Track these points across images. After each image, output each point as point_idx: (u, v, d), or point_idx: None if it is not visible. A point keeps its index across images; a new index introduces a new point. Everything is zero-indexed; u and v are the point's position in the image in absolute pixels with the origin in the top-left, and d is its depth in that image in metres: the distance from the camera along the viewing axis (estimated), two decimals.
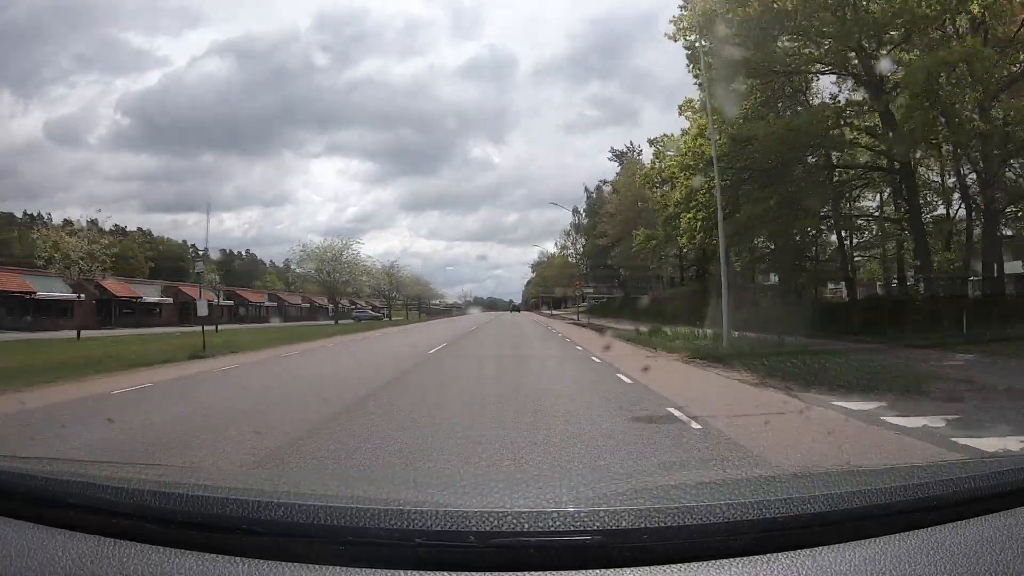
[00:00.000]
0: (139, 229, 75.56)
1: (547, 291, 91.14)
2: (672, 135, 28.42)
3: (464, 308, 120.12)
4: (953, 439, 4.73)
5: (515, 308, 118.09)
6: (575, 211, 59.57)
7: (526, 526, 0.97)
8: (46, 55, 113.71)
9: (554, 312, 68.21)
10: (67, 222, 27.98)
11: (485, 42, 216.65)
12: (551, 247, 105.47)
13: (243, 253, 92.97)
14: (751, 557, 0.94)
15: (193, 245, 76.59)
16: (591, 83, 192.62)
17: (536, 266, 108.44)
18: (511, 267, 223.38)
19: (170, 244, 75.22)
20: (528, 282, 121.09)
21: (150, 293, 49.09)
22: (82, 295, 31.97)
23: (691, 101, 24.51)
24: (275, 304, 62.14)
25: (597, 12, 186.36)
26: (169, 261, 67.39)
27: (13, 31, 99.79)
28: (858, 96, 20.04)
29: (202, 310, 19.63)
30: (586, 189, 59.97)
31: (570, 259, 62.39)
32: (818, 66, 20.13)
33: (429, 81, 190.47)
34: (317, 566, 0.94)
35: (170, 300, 50.84)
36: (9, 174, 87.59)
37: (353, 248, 50.29)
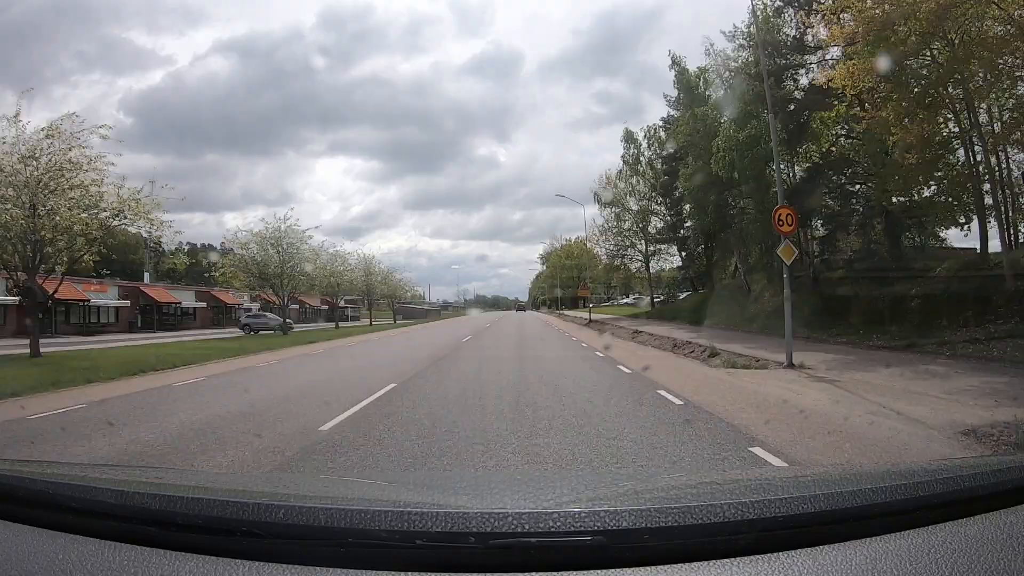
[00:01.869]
0: None
1: (568, 283, 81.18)
2: None
3: (462, 308, 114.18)
4: None
5: (520, 307, 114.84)
6: (627, 138, 36.41)
7: (527, 527, 0.99)
8: (48, 55, 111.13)
9: (591, 319, 37.10)
10: None
11: (490, 39, 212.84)
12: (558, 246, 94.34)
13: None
14: (752, 556, 0.96)
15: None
16: (597, 79, 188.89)
17: (547, 256, 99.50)
18: (516, 265, 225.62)
19: (126, 236, 68.52)
20: (537, 276, 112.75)
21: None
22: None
23: None
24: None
25: (602, 8, 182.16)
26: (122, 255, 59.87)
27: (14, 31, 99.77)
28: None
29: None
30: (673, 61, 28.33)
31: (624, 220, 37.48)
32: None
33: (434, 79, 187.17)
34: (318, 568, 0.96)
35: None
36: None
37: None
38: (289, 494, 1.42)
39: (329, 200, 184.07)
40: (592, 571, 0.95)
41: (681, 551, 0.98)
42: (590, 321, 34.68)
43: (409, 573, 0.95)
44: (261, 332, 37.33)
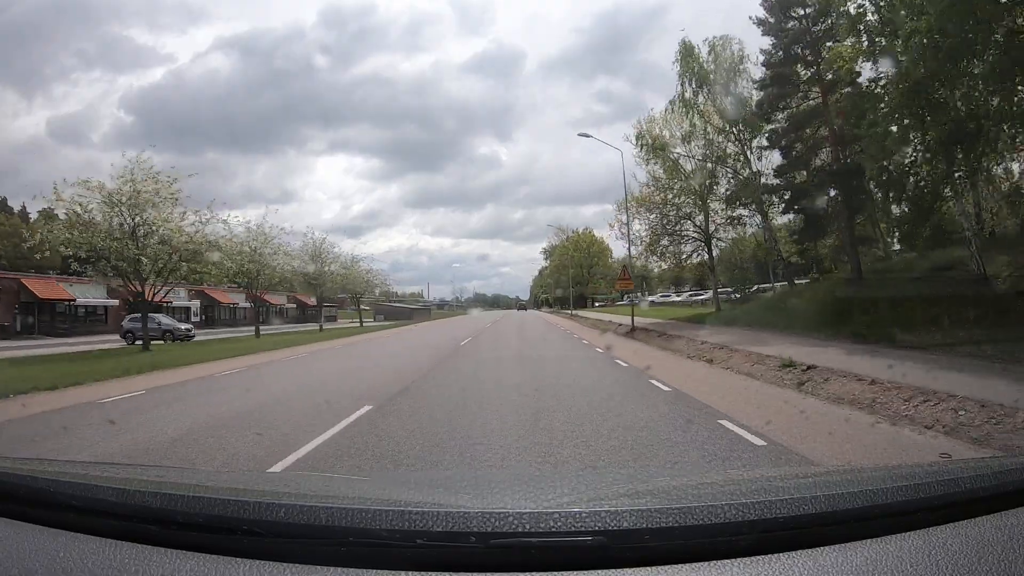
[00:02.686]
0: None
1: (576, 279, 69.11)
2: None
3: (461, 306, 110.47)
4: None
5: (522, 306, 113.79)
6: (683, 55, 23.63)
7: (527, 527, 0.98)
8: (48, 53, 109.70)
9: (634, 325, 22.00)
10: None
11: (491, 38, 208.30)
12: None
13: None
14: (752, 557, 0.96)
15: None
16: (598, 79, 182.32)
17: (551, 251, 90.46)
18: (517, 264, 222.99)
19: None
20: (540, 272, 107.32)
21: (93, 294, 39.03)
22: None
23: None
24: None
25: (603, 7, 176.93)
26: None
27: (15, 29, 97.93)
28: None
29: None
30: None
31: (676, 178, 24.80)
32: None
33: (435, 78, 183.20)
34: (319, 567, 0.96)
35: (117, 302, 39.26)
36: (12, 172, 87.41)
37: None
38: (290, 493, 1.41)
39: (330, 199, 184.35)
40: (592, 571, 0.94)
41: (682, 551, 0.97)
42: (633, 329, 21.27)
43: (410, 572, 0.95)
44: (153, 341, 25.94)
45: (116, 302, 41.65)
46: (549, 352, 15.81)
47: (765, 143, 22.69)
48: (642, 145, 24.62)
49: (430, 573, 0.94)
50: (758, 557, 0.95)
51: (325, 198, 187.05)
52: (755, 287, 27.46)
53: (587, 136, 26.12)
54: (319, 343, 23.51)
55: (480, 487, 1.64)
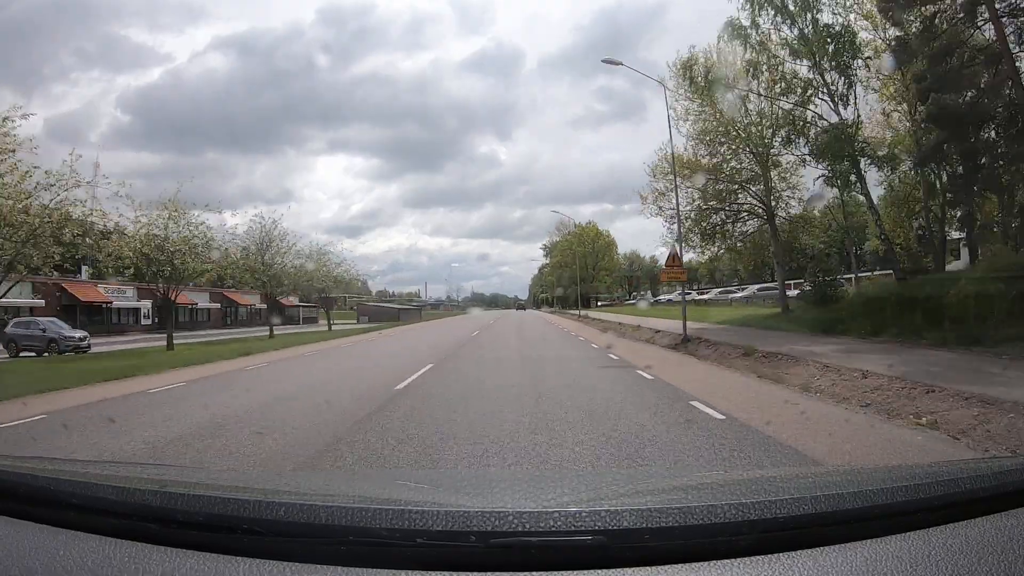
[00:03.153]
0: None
1: (583, 277, 62.63)
2: None
3: (458, 305, 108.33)
4: None
5: (520, 306, 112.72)
6: None
7: (528, 526, 0.97)
8: (47, 52, 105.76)
9: (686, 334, 14.93)
10: None
11: (491, 36, 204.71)
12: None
13: None
14: (752, 557, 0.95)
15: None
16: (598, 77, 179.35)
17: (552, 247, 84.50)
18: (517, 264, 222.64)
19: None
20: (540, 270, 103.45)
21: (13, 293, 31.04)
22: None
23: None
24: None
25: (603, 5, 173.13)
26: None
27: (14, 28, 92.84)
28: None
29: None
30: None
31: (735, 128, 18.47)
32: None
33: (435, 77, 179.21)
34: (318, 565, 0.95)
35: (42, 302, 34.09)
36: None
37: None
38: (290, 492, 1.39)
39: (329, 199, 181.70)
40: (592, 571, 0.93)
41: (681, 551, 0.96)
42: (687, 340, 14.64)
43: (409, 572, 0.94)
44: (44, 352, 21.84)
45: (42, 302, 34.90)
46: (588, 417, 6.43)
47: (890, 60, 15.57)
48: (690, 79, 17.88)
49: (430, 572, 0.93)
50: (758, 557, 0.94)
51: (325, 198, 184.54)
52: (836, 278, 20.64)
53: (617, 64, 18.14)
54: (242, 359, 16.74)
55: (480, 486, 1.63)
